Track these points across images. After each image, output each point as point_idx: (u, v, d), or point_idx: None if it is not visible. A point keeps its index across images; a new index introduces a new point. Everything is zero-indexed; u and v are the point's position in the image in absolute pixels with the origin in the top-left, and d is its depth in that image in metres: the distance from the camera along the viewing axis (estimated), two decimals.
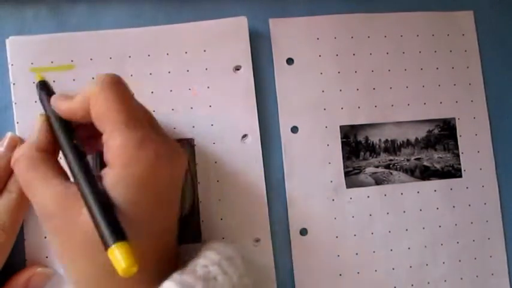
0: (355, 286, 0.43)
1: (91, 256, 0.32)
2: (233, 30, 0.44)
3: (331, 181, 0.44)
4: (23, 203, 0.39)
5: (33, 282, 0.40)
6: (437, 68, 0.46)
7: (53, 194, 0.33)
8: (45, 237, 0.41)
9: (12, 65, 0.42)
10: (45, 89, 0.39)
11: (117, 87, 0.34)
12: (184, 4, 0.45)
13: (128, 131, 0.32)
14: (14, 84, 0.42)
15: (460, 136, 0.46)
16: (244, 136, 0.43)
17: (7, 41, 0.42)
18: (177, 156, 0.35)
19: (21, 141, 0.41)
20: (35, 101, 0.41)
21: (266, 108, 0.44)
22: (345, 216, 0.44)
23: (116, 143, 0.32)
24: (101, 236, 0.29)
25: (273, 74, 0.45)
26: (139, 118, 0.34)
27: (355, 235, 0.44)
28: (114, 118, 0.33)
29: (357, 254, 0.44)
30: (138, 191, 0.32)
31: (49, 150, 0.37)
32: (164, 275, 0.32)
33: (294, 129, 0.44)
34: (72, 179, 0.34)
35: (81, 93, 0.35)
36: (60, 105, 0.36)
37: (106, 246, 0.29)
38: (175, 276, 0.32)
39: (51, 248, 0.35)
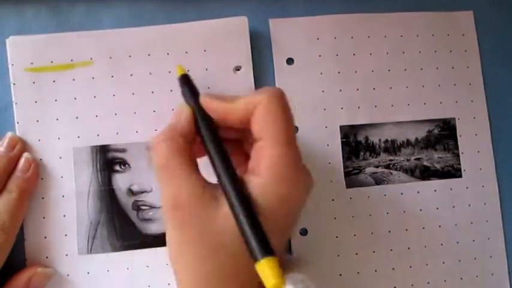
0: (355, 286, 0.43)
1: (216, 257, 0.32)
2: (233, 30, 0.44)
3: (331, 181, 0.44)
4: (23, 202, 0.40)
5: (34, 282, 0.40)
6: (437, 68, 0.46)
7: (191, 186, 0.33)
8: (45, 237, 0.41)
9: (12, 65, 0.42)
10: (187, 84, 0.38)
11: (285, 102, 0.34)
12: (184, 4, 0.44)
13: (288, 148, 0.33)
14: (14, 84, 0.42)
15: (460, 136, 0.46)
16: None
17: (7, 40, 0.42)
18: (312, 185, 0.35)
19: (21, 141, 0.41)
20: (35, 101, 0.42)
21: None
22: (345, 216, 0.44)
23: (275, 153, 0.33)
24: (249, 247, 0.30)
25: (273, 74, 0.45)
26: (295, 137, 0.34)
27: (355, 235, 0.44)
28: (278, 130, 0.33)
29: (356, 254, 0.44)
30: (279, 208, 0.32)
31: (192, 141, 0.36)
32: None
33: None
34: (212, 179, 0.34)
35: (243, 99, 0.35)
36: (217, 105, 0.36)
37: (255, 259, 0.29)
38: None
39: (168, 241, 0.33)
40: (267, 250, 0.29)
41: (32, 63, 0.42)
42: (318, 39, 0.45)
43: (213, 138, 0.35)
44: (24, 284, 0.39)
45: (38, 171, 0.41)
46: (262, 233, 0.30)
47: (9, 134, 0.41)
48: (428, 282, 0.44)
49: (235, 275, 0.32)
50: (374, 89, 0.45)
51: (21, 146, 0.41)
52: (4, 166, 0.39)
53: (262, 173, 0.33)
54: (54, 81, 0.42)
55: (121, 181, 0.42)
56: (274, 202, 0.32)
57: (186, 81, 0.38)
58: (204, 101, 0.36)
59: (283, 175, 0.32)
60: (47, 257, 0.41)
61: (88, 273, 0.41)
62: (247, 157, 0.37)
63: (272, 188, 0.32)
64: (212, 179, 0.34)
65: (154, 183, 0.42)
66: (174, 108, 0.43)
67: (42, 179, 0.41)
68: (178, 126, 0.36)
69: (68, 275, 0.41)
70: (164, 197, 0.34)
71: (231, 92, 0.43)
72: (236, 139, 0.38)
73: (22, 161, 0.40)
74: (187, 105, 0.37)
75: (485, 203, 0.45)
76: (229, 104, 0.35)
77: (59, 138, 0.42)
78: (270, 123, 0.33)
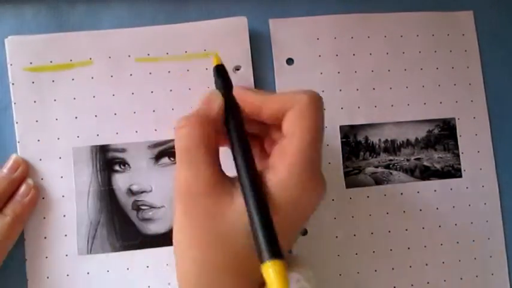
0: (355, 286, 0.43)
1: (219, 248, 0.32)
2: (233, 31, 0.44)
3: (331, 181, 0.44)
4: (15, 227, 0.40)
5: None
6: (437, 68, 0.46)
7: (209, 175, 0.33)
8: (45, 238, 0.41)
9: (11, 64, 0.42)
10: (222, 74, 0.38)
11: (322, 108, 0.35)
12: (184, 4, 0.44)
13: (313, 152, 0.33)
14: (13, 84, 0.42)
15: (460, 136, 0.46)
16: None
17: (6, 40, 0.42)
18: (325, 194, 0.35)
19: (24, 163, 0.41)
20: (34, 101, 0.42)
21: None
22: (345, 216, 0.44)
23: (299, 154, 0.33)
24: (258, 246, 0.29)
25: (273, 74, 0.45)
26: (321, 145, 0.34)
27: (355, 235, 0.44)
28: (309, 133, 0.33)
29: (356, 254, 0.44)
30: (293, 209, 0.32)
31: (218, 130, 0.35)
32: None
33: None
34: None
35: (281, 95, 0.36)
36: (253, 97, 0.36)
37: (261, 260, 0.29)
38: None
39: (174, 223, 0.33)
40: (276, 252, 0.29)
41: (31, 63, 0.42)
42: (318, 39, 0.45)
43: (240, 130, 0.34)
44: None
45: (36, 198, 0.41)
46: (273, 233, 0.30)
47: (13, 156, 0.41)
48: (428, 282, 0.44)
49: (235, 269, 0.32)
50: (374, 89, 0.45)
51: (23, 168, 0.41)
52: (4, 188, 0.40)
53: (281, 171, 0.32)
54: (53, 81, 0.42)
55: (121, 181, 0.42)
56: (289, 203, 0.32)
57: (221, 72, 0.38)
58: (239, 92, 0.36)
59: (302, 177, 0.32)
60: (46, 257, 0.41)
61: (88, 273, 0.41)
62: (264, 154, 0.37)
63: (289, 188, 0.32)
64: (230, 172, 0.33)
65: (154, 183, 0.42)
66: (174, 108, 0.43)
67: (42, 179, 0.41)
68: (209, 113, 0.35)
69: (67, 275, 0.41)
70: (179, 180, 0.33)
71: None
72: (257, 134, 0.38)
73: (23, 186, 0.40)
74: (220, 94, 0.36)
75: (485, 203, 0.45)
76: (266, 97, 0.35)
77: (58, 138, 0.42)
78: (303, 124, 0.33)
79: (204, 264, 0.32)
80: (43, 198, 0.41)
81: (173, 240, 0.33)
